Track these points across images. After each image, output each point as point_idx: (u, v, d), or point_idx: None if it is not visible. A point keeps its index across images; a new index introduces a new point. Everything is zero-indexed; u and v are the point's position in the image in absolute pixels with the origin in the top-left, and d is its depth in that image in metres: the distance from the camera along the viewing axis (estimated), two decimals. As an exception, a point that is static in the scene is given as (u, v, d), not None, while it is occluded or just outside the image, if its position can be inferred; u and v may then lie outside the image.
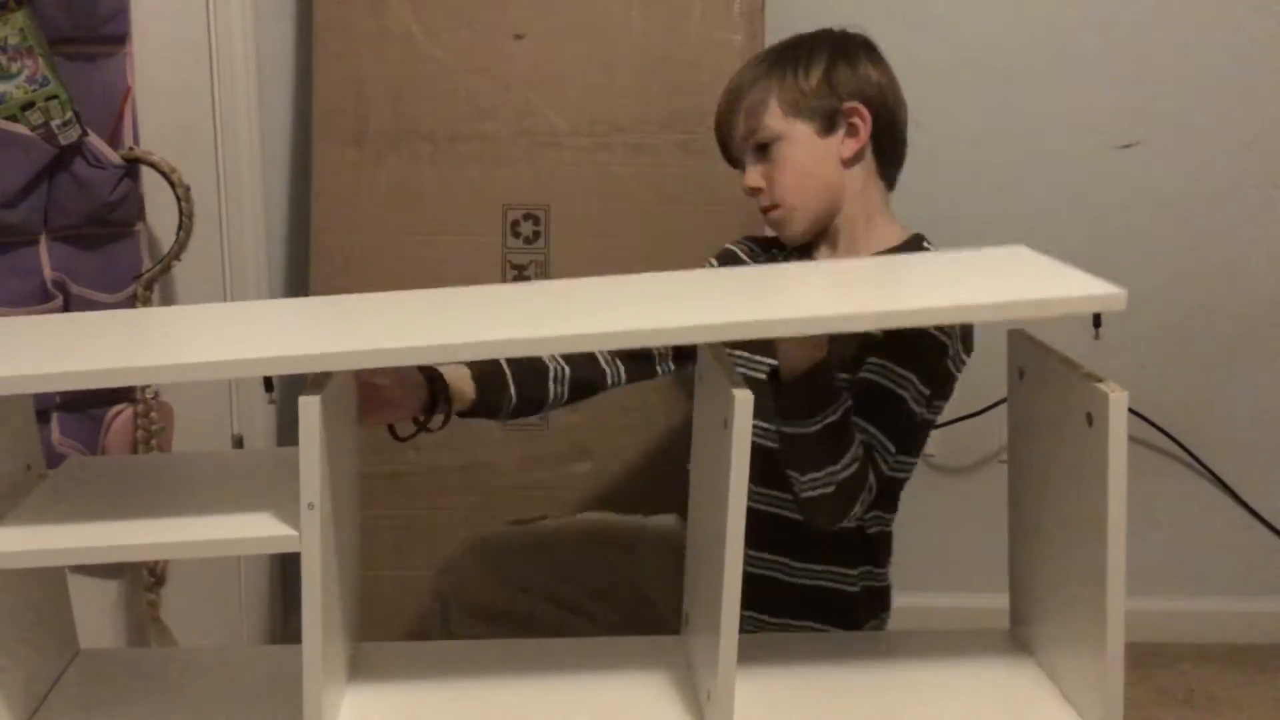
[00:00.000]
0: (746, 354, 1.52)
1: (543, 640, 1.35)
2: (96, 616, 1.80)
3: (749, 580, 1.10)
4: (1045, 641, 1.25)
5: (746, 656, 1.10)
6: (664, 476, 1.66)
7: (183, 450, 1.89)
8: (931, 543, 2.36)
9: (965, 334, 1.50)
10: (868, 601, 1.57)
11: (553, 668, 1.25)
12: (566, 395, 1.55)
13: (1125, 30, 2.23)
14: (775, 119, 1.51)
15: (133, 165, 1.78)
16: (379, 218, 2.06)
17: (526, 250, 2.07)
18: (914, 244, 1.53)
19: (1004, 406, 1.34)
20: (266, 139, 2.15)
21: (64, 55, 1.67)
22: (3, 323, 1.30)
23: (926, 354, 1.45)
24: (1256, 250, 2.29)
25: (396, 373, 1.37)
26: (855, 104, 1.50)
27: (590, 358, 1.56)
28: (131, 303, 1.80)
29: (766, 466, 1.35)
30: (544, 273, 2.06)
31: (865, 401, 1.40)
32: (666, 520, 1.79)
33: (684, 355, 1.61)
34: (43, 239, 1.69)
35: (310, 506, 1.04)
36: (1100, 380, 1.08)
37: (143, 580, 1.88)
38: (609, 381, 1.58)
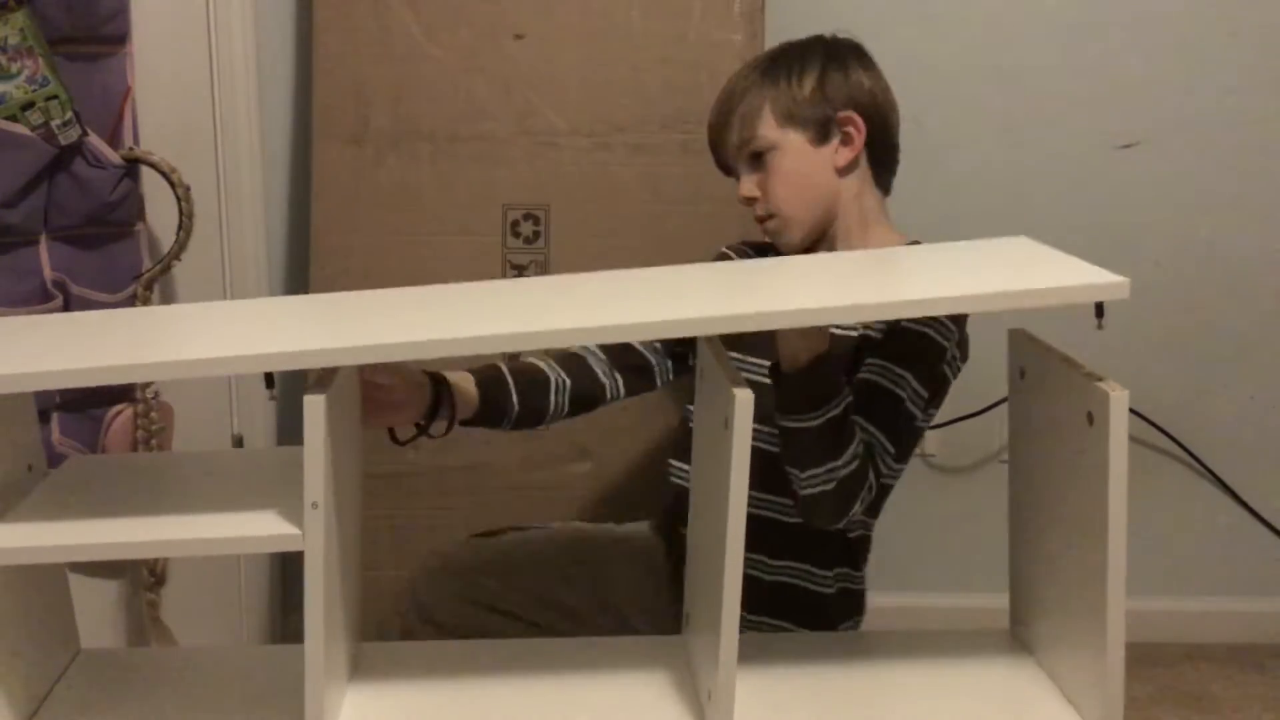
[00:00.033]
0: (739, 355, 1.51)
1: (543, 640, 1.35)
2: (96, 616, 1.80)
3: None
4: (1045, 641, 1.25)
5: (746, 656, 1.10)
6: (664, 477, 1.66)
7: (183, 450, 1.89)
8: (931, 543, 2.36)
9: (961, 340, 1.50)
10: (843, 603, 1.57)
11: (553, 668, 1.25)
12: (567, 407, 1.55)
13: (1125, 30, 2.23)
14: (769, 129, 1.51)
15: (133, 165, 1.78)
16: (379, 218, 2.06)
17: (526, 250, 2.07)
18: None
19: (1004, 406, 1.34)
20: (266, 139, 2.15)
21: (64, 55, 1.67)
22: (3, 323, 1.30)
23: (924, 355, 1.45)
24: (1256, 250, 2.29)
25: (400, 373, 1.37)
26: (849, 113, 1.50)
27: (590, 371, 1.57)
28: (131, 303, 1.80)
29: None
30: (544, 273, 2.06)
31: (864, 401, 1.40)
32: (639, 529, 1.75)
33: (682, 363, 1.61)
34: (43, 239, 1.69)
35: (314, 506, 1.04)
36: (1101, 379, 1.08)
37: (143, 580, 1.88)
38: (608, 395, 1.58)
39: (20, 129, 1.61)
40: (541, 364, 1.55)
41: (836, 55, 1.54)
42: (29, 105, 1.62)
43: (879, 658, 1.31)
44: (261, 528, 1.07)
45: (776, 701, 1.19)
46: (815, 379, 1.32)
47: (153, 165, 1.79)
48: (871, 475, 1.37)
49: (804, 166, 1.51)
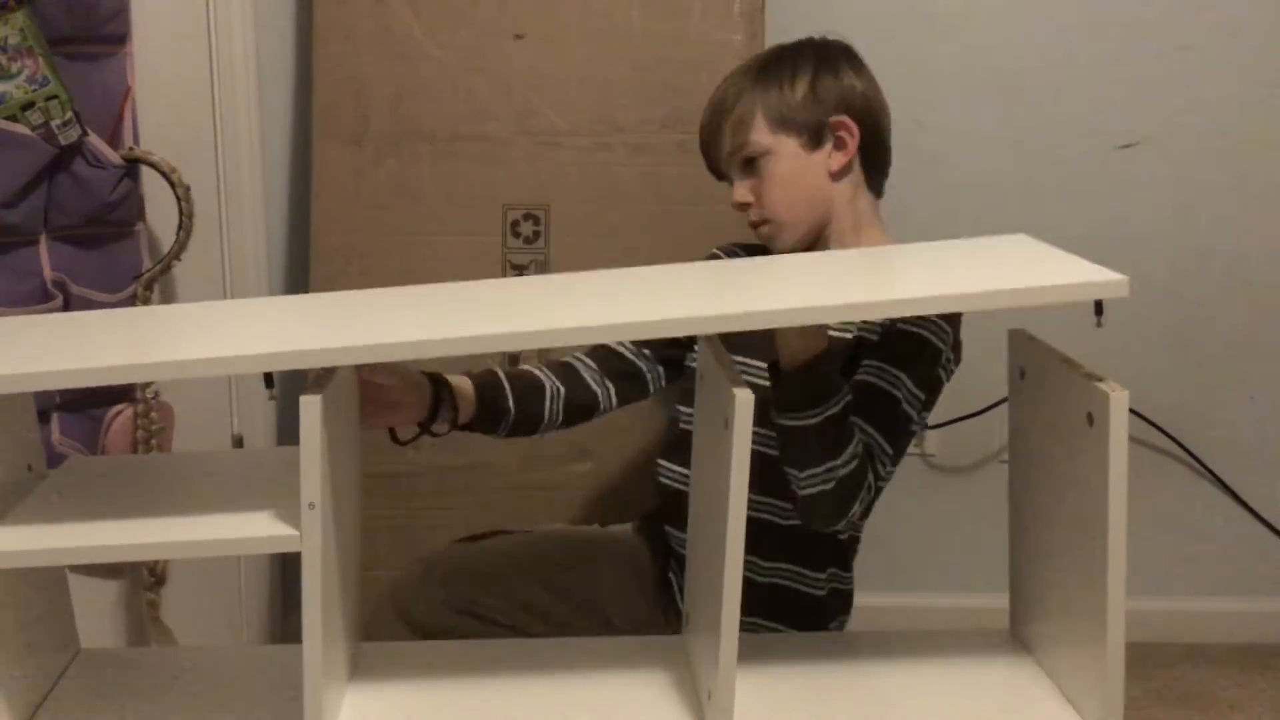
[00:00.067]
0: (738, 358, 1.51)
1: (543, 640, 1.35)
2: (96, 616, 1.80)
3: None
4: (1045, 641, 1.25)
5: (746, 656, 1.10)
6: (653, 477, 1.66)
7: (183, 450, 1.89)
8: (931, 543, 2.36)
9: (956, 342, 1.50)
10: (833, 603, 1.57)
11: (553, 668, 1.25)
12: (561, 416, 1.55)
13: (1125, 30, 2.22)
14: (762, 134, 1.51)
15: (133, 165, 1.78)
16: (379, 218, 2.06)
17: (526, 250, 2.07)
18: None
19: (1004, 406, 1.34)
20: (266, 139, 2.14)
21: (64, 55, 1.67)
22: (3, 323, 1.30)
23: (920, 357, 1.45)
24: (1256, 250, 2.29)
25: (400, 373, 1.37)
26: (842, 117, 1.50)
27: (581, 380, 1.56)
28: (131, 303, 1.79)
29: None
30: (544, 272, 2.06)
31: (861, 403, 1.40)
32: (623, 530, 1.73)
33: (674, 368, 1.60)
34: (43, 239, 1.68)
35: (311, 506, 1.04)
36: (1100, 380, 1.08)
37: (143, 580, 1.88)
38: (601, 404, 1.58)
39: (20, 129, 1.61)
40: (537, 372, 1.55)
41: (828, 59, 1.53)
42: (29, 105, 1.62)
43: (879, 658, 1.30)
44: (258, 529, 1.07)
45: (776, 701, 1.19)
46: (814, 377, 1.32)
47: (153, 165, 1.79)
48: (871, 476, 1.37)
49: (797, 172, 1.51)
